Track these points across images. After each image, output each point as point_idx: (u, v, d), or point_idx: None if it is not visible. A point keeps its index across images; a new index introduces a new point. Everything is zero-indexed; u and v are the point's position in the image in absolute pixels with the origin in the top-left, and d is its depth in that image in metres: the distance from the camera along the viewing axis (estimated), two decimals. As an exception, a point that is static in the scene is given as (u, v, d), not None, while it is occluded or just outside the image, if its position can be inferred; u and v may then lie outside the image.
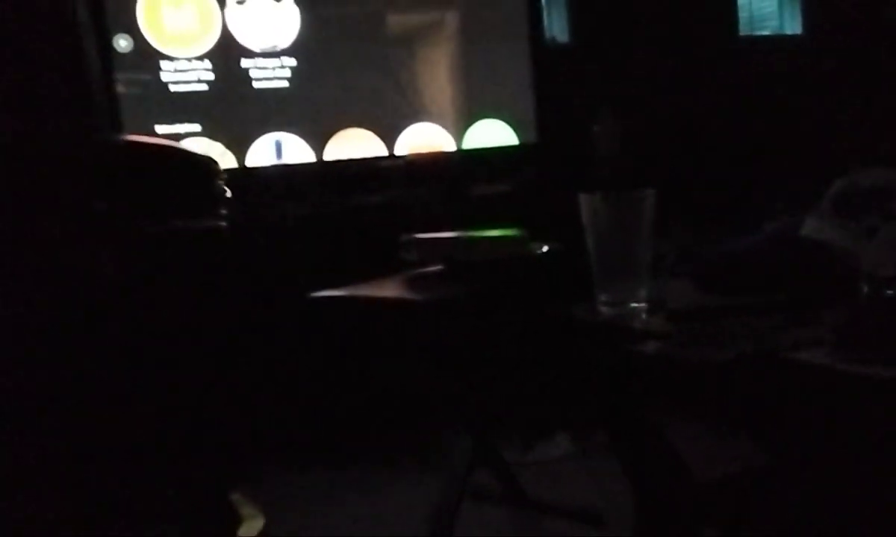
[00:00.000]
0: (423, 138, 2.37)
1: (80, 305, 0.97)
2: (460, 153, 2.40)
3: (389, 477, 1.99)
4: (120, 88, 2.02)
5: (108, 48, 1.99)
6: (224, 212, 1.03)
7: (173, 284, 0.99)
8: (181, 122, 2.07)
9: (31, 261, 0.96)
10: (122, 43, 2.02)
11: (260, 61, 2.17)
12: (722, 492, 1.21)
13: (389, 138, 2.32)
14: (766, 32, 3.56)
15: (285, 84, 2.20)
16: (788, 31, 3.52)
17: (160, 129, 2.04)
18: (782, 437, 1.05)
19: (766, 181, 2.08)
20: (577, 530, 1.65)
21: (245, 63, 2.16)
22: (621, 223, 1.06)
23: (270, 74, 2.18)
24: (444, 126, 2.39)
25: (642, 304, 1.05)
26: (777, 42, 3.34)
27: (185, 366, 1.09)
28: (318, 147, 2.24)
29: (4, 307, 0.97)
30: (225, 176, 1.04)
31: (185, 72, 2.10)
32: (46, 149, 0.96)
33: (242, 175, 2.12)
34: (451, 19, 2.36)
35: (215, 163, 1.02)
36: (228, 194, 1.03)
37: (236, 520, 1.14)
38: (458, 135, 2.40)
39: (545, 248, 1.59)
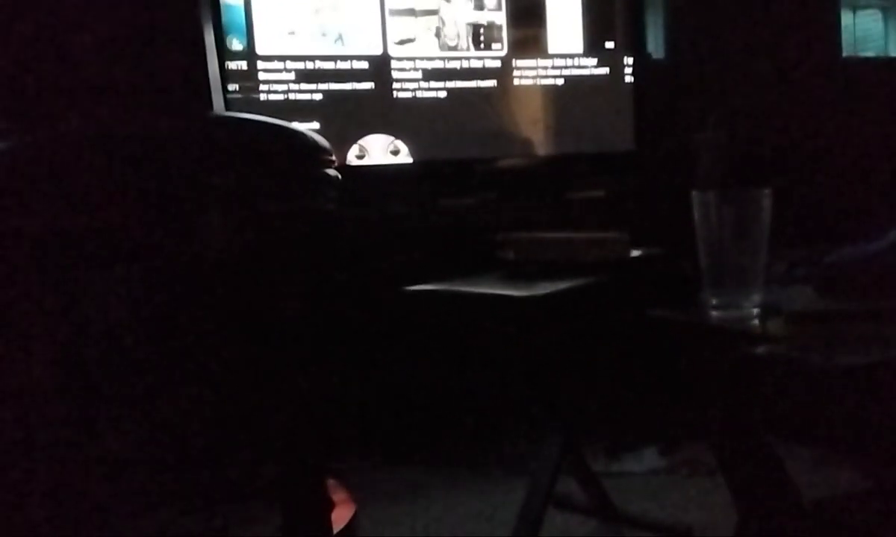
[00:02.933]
0: (519, 144, 2.37)
1: (187, 282, 1.00)
2: (556, 158, 2.38)
3: (476, 478, 1.98)
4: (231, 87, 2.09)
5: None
6: (333, 195, 1.04)
7: (280, 264, 1.01)
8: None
9: (139, 238, 0.99)
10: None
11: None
12: (831, 513, 1.15)
13: (485, 143, 2.33)
14: (870, 53, 3.45)
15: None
16: (893, 53, 3.42)
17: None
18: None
19: (886, 193, 1.99)
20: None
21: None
22: (736, 222, 1.03)
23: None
24: (541, 132, 2.38)
25: (756, 309, 1.01)
26: (882, 63, 3.25)
27: (287, 347, 1.10)
28: (416, 148, 2.26)
29: (115, 283, 1.01)
30: (335, 160, 1.05)
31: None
32: (159, 127, 0.98)
33: (344, 173, 2.16)
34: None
35: (327, 146, 1.03)
36: (339, 177, 1.04)
37: (329, 504, 1.14)
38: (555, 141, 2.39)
39: (644, 252, 1.56)
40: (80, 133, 1.07)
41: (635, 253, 1.55)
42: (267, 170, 0.94)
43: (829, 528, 1.13)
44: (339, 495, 1.18)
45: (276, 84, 2.15)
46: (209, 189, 0.94)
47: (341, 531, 1.10)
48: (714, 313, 1.03)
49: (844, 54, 3.02)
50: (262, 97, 2.14)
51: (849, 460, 1.57)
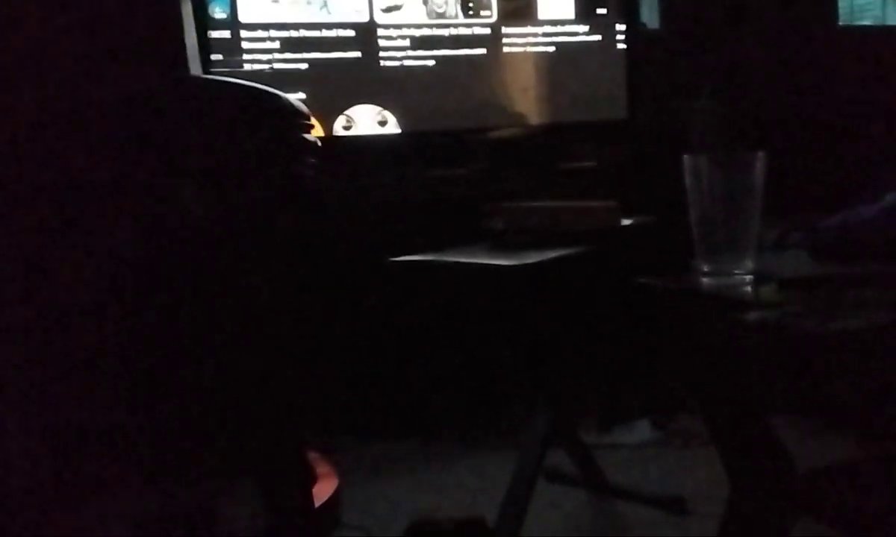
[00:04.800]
0: (510, 113, 2.32)
1: (167, 245, 0.97)
2: (547, 127, 2.34)
3: (465, 450, 1.97)
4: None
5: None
6: (312, 161, 1.00)
7: (259, 228, 0.98)
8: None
9: (119, 201, 0.96)
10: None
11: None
12: (825, 483, 1.13)
13: (474, 113, 2.28)
14: (867, 22, 3.42)
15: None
16: (891, 22, 3.39)
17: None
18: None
19: (880, 160, 1.97)
20: (657, 517, 1.58)
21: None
22: (729, 187, 1.00)
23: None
24: (531, 101, 2.34)
25: (748, 275, 0.99)
26: (879, 31, 3.22)
27: (268, 315, 1.07)
28: (404, 119, 2.22)
29: (95, 247, 0.98)
30: (314, 125, 1.01)
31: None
32: (137, 89, 0.95)
33: (329, 144, 2.12)
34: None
35: (305, 111, 1.00)
36: (317, 143, 1.00)
37: (311, 478, 1.13)
38: (546, 110, 2.35)
39: (636, 221, 1.54)
40: (56, 99, 1.04)
41: (626, 221, 1.53)
42: (242, 132, 0.92)
43: (823, 498, 1.12)
44: (322, 468, 1.16)
45: (259, 53, 2.10)
46: (185, 151, 0.92)
47: (324, 504, 1.08)
48: (706, 280, 1.01)
49: (841, 22, 2.99)
50: (246, 67, 2.09)
51: (842, 428, 1.56)
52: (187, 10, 1.93)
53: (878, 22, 3.50)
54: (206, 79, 1.57)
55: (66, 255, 1.01)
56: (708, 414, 1.19)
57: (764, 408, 1.11)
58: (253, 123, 0.90)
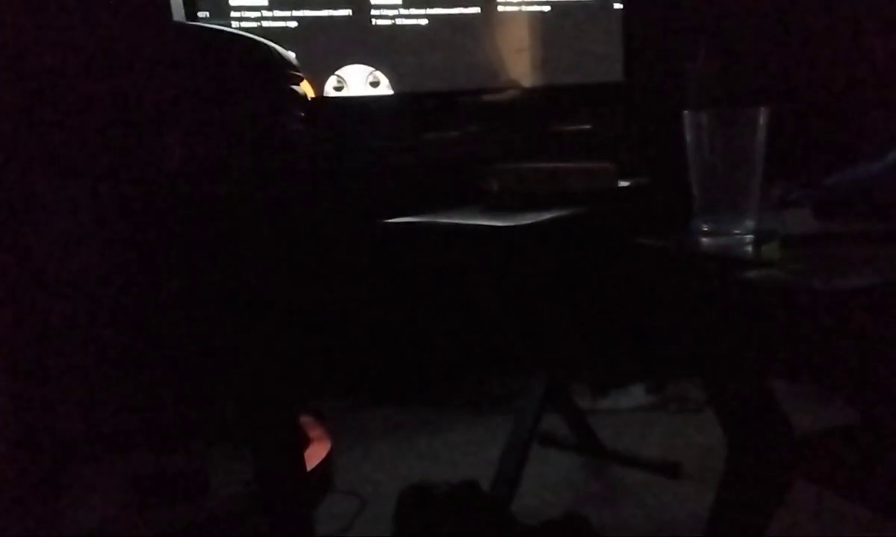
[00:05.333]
0: (504, 74, 2.28)
1: (150, 198, 0.94)
2: (542, 88, 2.30)
3: (460, 415, 1.96)
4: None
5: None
6: (300, 114, 0.97)
7: (243, 181, 0.94)
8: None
9: (99, 149, 0.93)
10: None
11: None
12: (823, 445, 1.12)
13: (468, 74, 2.24)
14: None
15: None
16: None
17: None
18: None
19: (884, 117, 1.94)
20: (652, 481, 1.58)
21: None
22: (730, 143, 0.97)
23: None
24: (527, 62, 2.30)
25: (749, 235, 0.97)
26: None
27: (256, 281, 1.04)
28: (397, 80, 2.17)
29: (77, 196, 0.95)
30: (302, 76, 0.98)
31: None
32: (119, 34, 0.91)
33: (321, 105, 2.08)
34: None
35: (293, 62, 0.96)
36: (306, 96, 0.97)
37: (304, 441, 1.11)
38: (541, 71, 2.30)
39: (632, 182, 1.51)
40: (37, 43, 1.00)
41: (622, 183, 1.50)
42: (228, 80, 0.88)
43: (820, 461, 1.11)
44: (314, 432, 1.14)
45: (248, 10, 2.05)
46: (170, 99, 0.88)
47: (315, 468, 1.06)
48: (706, 240, 0.99)
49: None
50: (234, 25, 2.04)
51: (841, 394, 1.55)
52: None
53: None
54: (191, 25, 1.53)
55: (49, 208, 0.98)
56: (707, 375, 1.18)
57: (763, 370, 1.09)
58: (240, 73, 0.87)
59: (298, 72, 0.95)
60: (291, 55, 0.94)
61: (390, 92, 2.17)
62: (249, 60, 0.87)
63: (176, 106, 0.85)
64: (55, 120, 0.86)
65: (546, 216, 1.30)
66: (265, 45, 0.90)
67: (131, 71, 0.85)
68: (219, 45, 0.88)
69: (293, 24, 2.08)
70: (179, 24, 1.43)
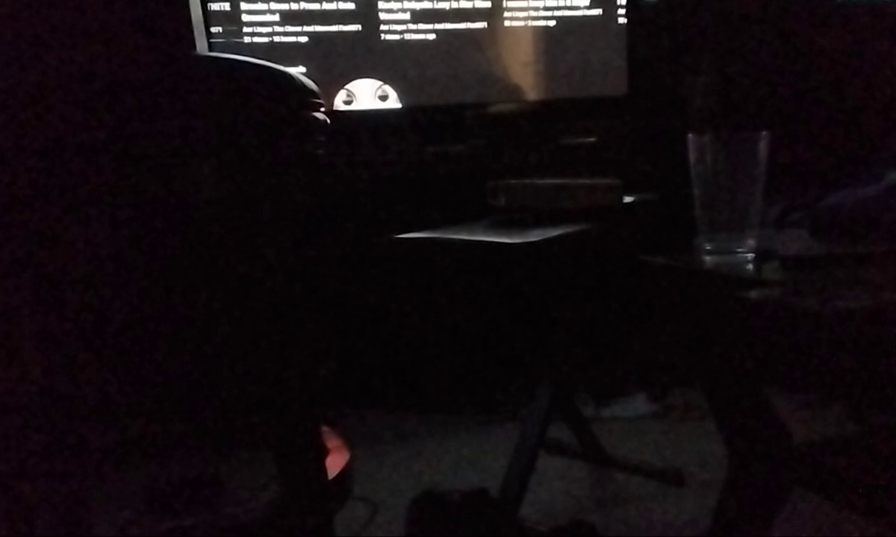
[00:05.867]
0: (510, 88, 2.32)
1: (176, 225, 0.97)
2: (548, 102, 2.34)
3: (469, 423, 2.00)
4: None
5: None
6: (322, 139, 1.01)
7: (268, 209, 0.98)
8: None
9: (129, 180, 0.96)
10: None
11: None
12: (821, 455, 1.15)
13: (475, 87, 2.28)
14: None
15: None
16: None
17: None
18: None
19: (881, 137, 1.97)
20: (656, 489, 1.62)
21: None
22: (732, 165, 1.01)
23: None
24: (532, 76, 2.34)
25: (750, 254, 1.01)
26: (877, 4, 3.19)
27: (277, 293, 1.08)
28: (405, 93, 2.21)
29: (105, 226, 0.98)
30: (324, 103, 1.02)
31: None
32: (144, 67, 0.94)
33: (331, 118, 2.12)
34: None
35: (316, 89, 1.00)
36: (327, 122, 1.01)
37: (324, 451, 1.14)
38: (547, 84, 2.35)
39: (637, 198, 1.55)
40: (61, 75, 1.03)
41: (628, 198, 1.54)
42: (254, 112, 0.91)
43: (819, 471, 1.14)
44: (333, 442, 1.18)
45: (260, 26, 2.10)
46: (195, 132, 0.92)
47: (336, 477, 1.10)
48: (708, 258, 1.02)
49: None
50: (247, 40, 2.09)
51: (839, 405, 1.59)
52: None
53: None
54: (218, 57, 1.57)
55: (77, 231, 1.02)
56: (708, 387, 1.21)
57: (763, 383, 1.13)
58: (268, 103, 0.90)
59: (319, 98, 0.99)
60: (311, 82, 0.98)
61: (398, 105, 2.21)
62: (273, 90, 0.91)
63: (206, 137, 0.88)
64: (81, 154, 0.90)
65: (553, 232, 1.34)
66: (287, 74, 0.94)
67: (156, 104, 0.89)
68: (242, 75, 0.91)
69: (304, 39, 2.13)
70: (202, 56, 1.47)
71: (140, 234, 0.99)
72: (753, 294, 0.91)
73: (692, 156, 1.03)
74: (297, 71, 1.53)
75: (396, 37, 2.21)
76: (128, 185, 0.97)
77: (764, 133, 1.00)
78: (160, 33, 1.62)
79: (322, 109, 1.00)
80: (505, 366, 2.02)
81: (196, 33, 1.89)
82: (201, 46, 1.96)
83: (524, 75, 2.33)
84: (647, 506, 1.56)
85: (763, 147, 1.00)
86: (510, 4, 2.29)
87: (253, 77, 0.93)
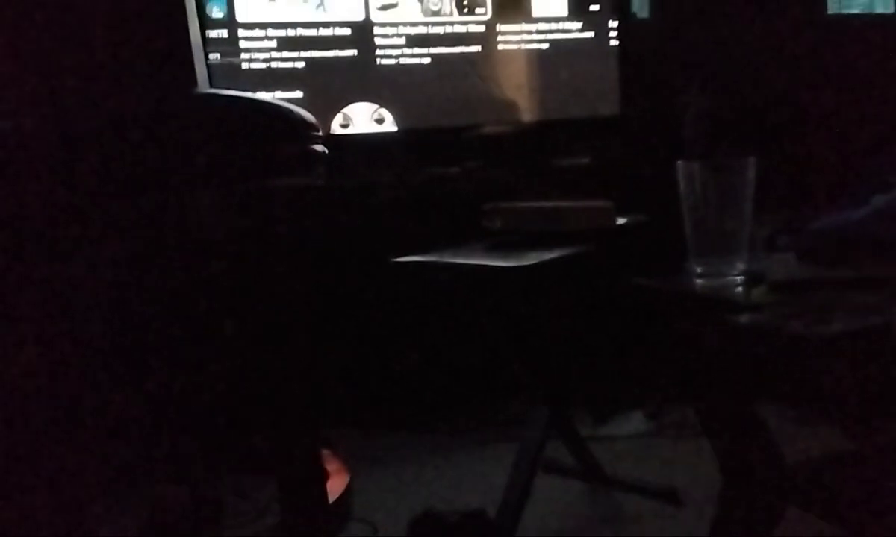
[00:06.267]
0: (504, 110, 2.35)
1: (178, 262, 1.00)
2: (541, 123, 2.37)
3: (467, 444, 2.01)
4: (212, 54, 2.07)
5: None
6: (321, 171, 1.04)
7: (271, 240, 1.01)
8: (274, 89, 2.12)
9: (128, 220, 0.98)
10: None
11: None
12: (814, 474, 1.17)
13: (469, 110, 2.31)
14: (855, 11, 3.43)
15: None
16: (879, 10, 3.40)
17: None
18: (884, 418, 1.01)
19: (869, 157, 2.00)
20: (652, 507, 1.63)
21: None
22: (721, 191, 1.03)
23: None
24: (526, 98, 2.37)
25: (739, 277, 1.03)
26: (868, 20, 3.23)
27: (277, 321, 1.10)
28: (400, 117, 2.24)
29: (105, 261, 1.00)
30: (322, 135, 1.05)
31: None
32: (144, 105, 0.97)
33: (328, 142, 2.15)
34: None
35: (314, 122, 1.03)
36: (326, 153, 1.03)
37: (324, 474, 1.16)
38: (540, 107, 2.38)
39: (630, 220, 1.57)
40: (65, 112, 1.05)
41: (621, 220, 1.56)
42: (254, 148, 0.94)
43: (812, 489, 1.15)
44: (333, 465, 1.19)
45: (257, 52, 2.13)
46: (196, 169, 0.94)
47: (336, 500, 1.11)
48: (699, 281, 1.04)
49: (830, 11, 3.01)
50: (244, 66, 2.11)
51: (831, 424, 1.60)
52: (191, 10, 1.94)
53: (866, 10, 3.51)
54: (218, 95, 1.60)
55: (86, 258, 1.03)
56: (700, 408, 1.23)
57: (754, 402, 1.14)
58: (268, 139, 0.93)
59: (318, 131, 1.01)
60: (311, 116, 1.00)
61: (394, 128, 2.24)
62: (273, 126, 0.94)
63: (203, 175, 0.91)
64: (87, 188, 0.91)
65: (547, 254, 1.37)
66: (286, 109, 0.96)
67: (156, 140, 0.91)
68: (242, 112, 0.94)
69: (301, 64, 2.16)
70: (203, 93, 1.49)
71: (141, 264, 1.01)
72: (742, 317, 0.94)
73: (681, 182, 1.05)
74: (290, 97, 1.55)
75: (392, 61, 2.24)
76: (127, 218, 1.00)
77: (751, 159, 1.03)
78: (161, 61, 1.64)
79: (320, 141, 1.02)
80: (502, 387, 2.04)
81: (196, 59, 1.91)
82: (201, 72, 1.98)
83: (518, 98, 2.36)
84: (644, 525, 1.57)
85: (750, 174, 1.02)
86: (503, 28, 2.33)
87: (253, 114, 0.95)
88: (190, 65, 1.87)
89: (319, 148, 1.00)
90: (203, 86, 1.90)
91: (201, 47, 1.98)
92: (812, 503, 1.17)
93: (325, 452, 1.23)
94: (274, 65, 2.14)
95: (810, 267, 1.02)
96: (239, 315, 1.07)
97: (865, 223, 1.03)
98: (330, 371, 1.92)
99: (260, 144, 0.91)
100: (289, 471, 1.03)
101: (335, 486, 1.13)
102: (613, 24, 2.41)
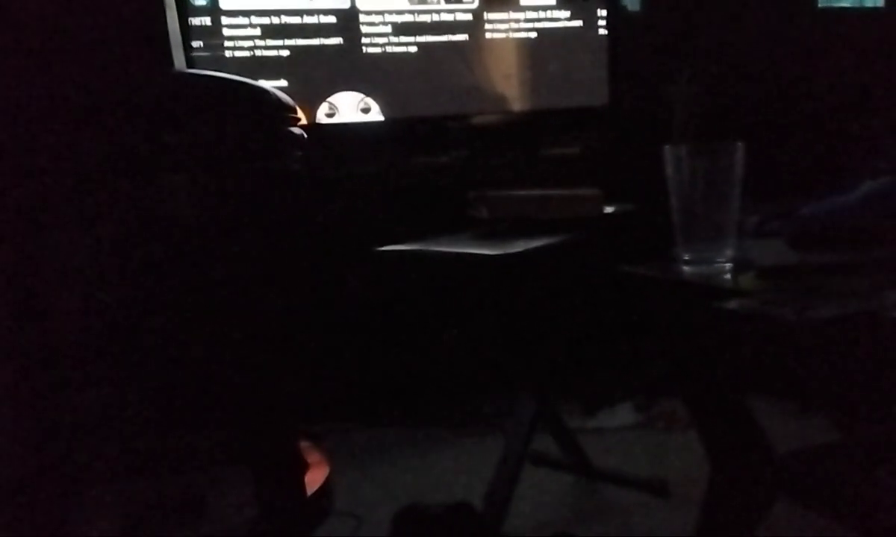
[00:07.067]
0: (492, 99, 2.33)
1: (151, 244, 0.97)
2: (529, 113, 2.35)
3: (452, 436, 1.99)
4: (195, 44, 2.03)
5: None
6: (298, 154, 1.01)
7: (246, 224, 0.98)
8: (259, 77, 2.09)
9: (101, 200, 0.96)
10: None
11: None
12: (803, 464, 1.15)
13: (457, 99, 2.29)
14: (846, 4, 3.43)
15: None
16: (869, 4, 3.40)
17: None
18: (874, 405, 1.00)
19: (859, 145, 1.99)
20: (641, 499, 1.61)
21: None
22: (708, 177, 1.01)
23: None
24: (514, 87, 2.35)
25: (728, 264, 1.01)
26: (858, 13, 3.23)
27: (254, 309, 1.08)
28: (387, 106, 2.22)
29: (79, 246, 0.98)
30: (300, 118, 1.02)
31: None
32: (118, 85, 0.94)
33: (312, 131, 2.13)
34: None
35: (291, 104, 1.00)
36: (304, 136, 1.01)
37: (303, 466, 1.14)
38: (528, 96, 2.36)
39: (618, 208, 1.55)
40: (38, 93, 1.03)
41: (608, 209, 1.54)
42: (229, 128, 0.92)
43: (801, 480, 1.14)
44: (313, 457, 1.17)
45: (241, 40, 2.10)
46: (171, 149, 0.92)
47: (315, 493, 1.09)
48: (686, 268, 1.03)
49: (820, 5, 3.00)
50: (228, 54, 2.08)
51: (820, 413, 1.59)
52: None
53: (856, 4, 3.51)
54: (190, 73, 1.57)
55: (55, 245, 1.01)
56: (689, 398, 1.21)
57: (743, 392, 1.13)
58: (240, 118, 0.90)
59: (296, 113, 0.99)
60: (288, 98, 0.98)
61: (381, 118, 2.21)
62: (248, 106, 0.91)
63: (178, 153, 0.88)
64: (56, 168, 0.89)
65: (535, 243, 1.35)
66: (263, 89, 0.94)
67: (132, 119, 0.89)
68: (218, 91, 0.91)
69: (286, 52, 2.13)
70: (178, 72, 1.46)
71: (116, 249, 0.99)
72: (731, 304, 0.92)
73: (668, 168, 1.03)
74: (275, 86, 1.52)
75: (378, 49, 2.21)
76: (104, 199, 0.97)
77: (739, 144, 1.01)
78: (137, 49, 1.61)
79: (298, 124, 1.00)
80: (488, 378, 2.02)
81: (174, 46, 1.88)
82: (179, 60, 1.95)
83: (506, 87, 2.34)
84: (632, 518, 1.55)
85: (738, 158, 1.00)
86: (491, 17, 2.30)
87: (228, 93, 0.93)
88: (168, 54, 1.84)
89: (297, 131, 0.98)
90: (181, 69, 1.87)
91: (179, 34, 1.95)
92: (801, 493, 1.16)
93: (305, 444, 1.20)
94: (258, 53, 2.11)
95: (799, 253, 1.01)
96: (213, 304, 1.05)
97: (855, 208, 1.02)
98: (313, 363, 1.90)
99: (233, 125, 0.89)
100: (265, 463, 1.01)
101: (315, 479, 1.11)
102: (602, 13, 2.39)
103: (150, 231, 0.98)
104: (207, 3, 2.06)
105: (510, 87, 2.34)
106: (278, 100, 0.96)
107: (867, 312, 0.81)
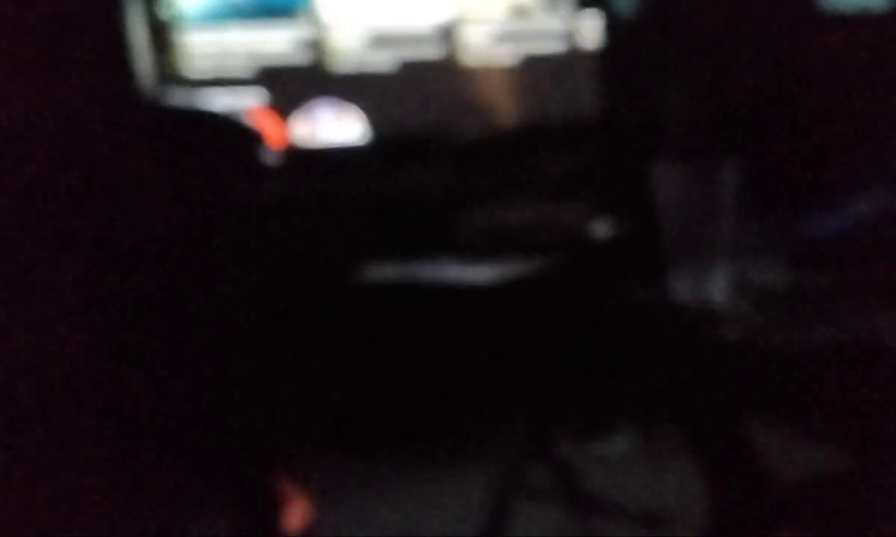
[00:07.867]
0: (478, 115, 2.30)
1: (125, 272, 0.95)
2: (518, 130, 2.32)
3: (442, 468, 1.95)
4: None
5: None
6: (266, 184, 0.98)
7: (219, 254, 0.96)
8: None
9: (77, 224, 0.94)
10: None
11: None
12: (804, 495, 1.12)
13: (440, 116, 2.26)
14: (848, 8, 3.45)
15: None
16: (873, 6, 3.42)
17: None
18: (876, 433, 0.96)
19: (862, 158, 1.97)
20: (636, 532, 1.57)
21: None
22: (699, 196, 0.99)
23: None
24: (501, 103, 2.32)
25: (722, 286, 0.97)
26: (861, 16, 3.24)
27: (229, 341, 1.06)
28: (373, 122, 2.19)
29: (58, 272, 0.96)
30: (266, 146, 0.99)
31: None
32: (90, 111, 0.93)
33: (292, 149, 2.10)
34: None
35: (260, 133, 0.98)
36: (275, 165, 0.98)
37: (280, 501, 1.12)
38: (516, 112, 2.33)
39: (612, 228, 1.53)
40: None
41: (599, 228, 1.52)
42: (193, 160, 0.90)
43: (803, 509, 1.11)
44: (292, 491, 1.15)
45: (209, 57, 2.06)
46: (135, 180, 0.90)
47: (294, 527, 1.07)
48: (678, 292, 1.00)
49: (822, 7, 3.01)
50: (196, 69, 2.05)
51: (820, 439, 1.56)
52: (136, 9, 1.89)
53: (857, 9, 3.53)
54: (152, 104, 1.56)
55: (19, 275, 0.99)
56: (684, 425, 1.19)
57: (739, 418, 1.10)
58: (208, 148, 0.88)
59: (258, 139, 0.96)
60: (253, 125, 0.96)
61: (360, 137, 2.18)
62: (213, 135, 0.89)
63: (142, 185, 0.86)
64: (31, 193, 0.88)
65: (523, 264, 1.33)
66: (227, 119, 0.92)
67: (101, 147, 0.87)
68: (183, 121, 0.90)
69: (260, 67, 2.10)
70: (143, 102, 1.46)
71: (87, 282, 0.97)
72: (725, 328, 0.90)
73: (658, 188, 1.01)
74: (240, 111, 1.48)
75: (355, 64, 2.18)
76: (77, 234, 0.96)
77: (730, 160, 0.98)
78: (100, 63, 1.58)
79: (264, 151, 0.98)
80: (479, 407, 1.98)
81: (140, 60, 1.86)
82: (144, 71, 1.92)
83: (492, 104, 2.31)
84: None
85: (730, 176, 0.97)
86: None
87: (193, 122, 0.92)
88: (132, 68, 1.81)
89: (266, 159, 0.95)
90: (147, 89, 1.85)
91: (146, 48, 1.93)
92: (804, 523, 1.13)
93: (285, 477, 1.19)
94: (230, 68, 2.07)
95: (797, 274, 0.98)
96: (189, 338, 1.03)
97: (851, 230, 0.99)
98: (293, 391, 1.86)
99: (198, 152, 0.87)
100: (243, 496, 0.99)
101: (295, 513, 1.09)
102: (595, 23, 2.37)
103: (118, 264, 0.97)
104: (172, 17, 2.02)
105: (496, 105, 2.31)
106: (243, 128, 0.94)
107: (864, 335, 0.79)
